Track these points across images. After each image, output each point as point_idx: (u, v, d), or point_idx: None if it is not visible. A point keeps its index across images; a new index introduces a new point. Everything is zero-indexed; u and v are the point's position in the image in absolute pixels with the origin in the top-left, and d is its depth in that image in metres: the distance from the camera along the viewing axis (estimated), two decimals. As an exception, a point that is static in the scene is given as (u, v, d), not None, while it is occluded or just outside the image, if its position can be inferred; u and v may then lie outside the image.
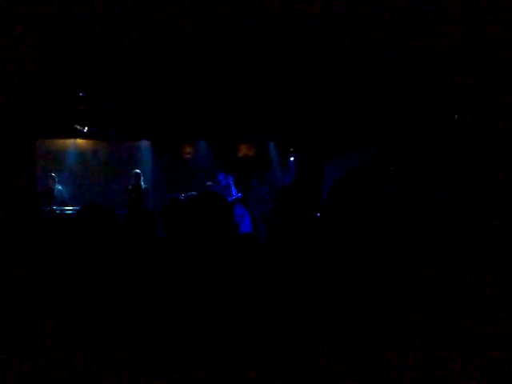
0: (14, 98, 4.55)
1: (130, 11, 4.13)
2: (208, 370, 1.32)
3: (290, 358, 1.34)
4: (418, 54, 4.87)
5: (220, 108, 7.50)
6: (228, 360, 1.34)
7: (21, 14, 3.95)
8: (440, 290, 1.52)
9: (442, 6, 3.85)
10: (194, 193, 7.62)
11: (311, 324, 1.42)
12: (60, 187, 8.17)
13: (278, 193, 2.06)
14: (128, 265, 1.88)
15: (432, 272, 1.60)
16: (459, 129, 6.27)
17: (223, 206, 1.95)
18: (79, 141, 9.05)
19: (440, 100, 6.27)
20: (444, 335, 1.36)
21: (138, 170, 8.32)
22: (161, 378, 1.32)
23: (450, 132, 6.67)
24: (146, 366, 1.34)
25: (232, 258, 1.86)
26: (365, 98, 6.72)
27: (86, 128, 8.01)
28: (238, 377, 1.31)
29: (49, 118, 6.93)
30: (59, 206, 7.74)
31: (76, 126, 7.88)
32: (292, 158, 9.59)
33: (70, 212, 7.46)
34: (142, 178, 8.25)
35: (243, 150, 9.86)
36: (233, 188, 8.24)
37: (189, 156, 9.71)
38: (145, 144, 9.45)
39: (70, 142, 9.05)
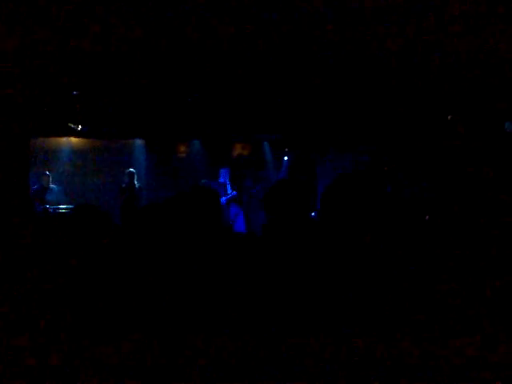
0: (6, 96, 4.52)
1: (124, 9, 4.12)
2: (204, 368, 1.33)
3: (285, 357, 1.34)
4: (417, 53, 4.89)
5: (214, 107, 7.50)
6: (223, 360, 1.34)
7: (13, 11, 3.92)
8: (437, 291, 1.53)
9: (441, 6, 3.86)
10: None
11: (306, 323, 1.42)
12: (54, 186, 8.14)
13: (267, 192, 2.06)
14: (120, 265, 1.87)
15: (427, 271, 1.61)
16: (454, 130, 6.29)
17: (212, 201, 1.95)
18: (73, 139, 9.01)
19: (435, 101, 6.29)
20: (443, 335, 1.37)
21: (131, 169, 8.30)
22: (161, 378, 1.32)
23: (444, 133, 6.69)
24: (146, 366, 1.34)
25: (226, 258, 1.86)
26: (359, 98, 6.74)
27: (80, 126, 7.97)
28: (235, 376, 1.31)
29: (42, 116, 6.90)
30: (53, 204, 7.71)
31: (70, 124, 7.85)
32: (286, 158, 9.58)
33: (63, 211, 7.43)
34: (135, 176, 8.22)
35: (238, 150, 9.86)
36: (228, 187, 8.24)
37: (183, 155, 9.69)
38: (139, 143, 9.42)
39: (64, 140, 9.00)
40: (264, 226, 2.00)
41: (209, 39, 4.76)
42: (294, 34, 4.61)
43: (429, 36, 4.43)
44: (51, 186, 8.09)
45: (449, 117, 6.65)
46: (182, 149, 9.71)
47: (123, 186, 8.11)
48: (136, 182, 8.20)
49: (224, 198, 8.01)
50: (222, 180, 8.24)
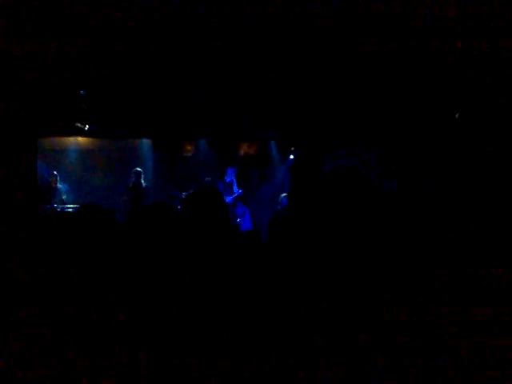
0: (15, 96, 4.55)
1: (131, 10, 4.13)
2: (209, 367, 1.32)
3: (291, 355, 1.34)
4: (419, 53, 4.87)
5: (221, 106, 7.50)
6: (230, 358, 1.34)
7: (22, 12, 3.95)
8: (439, 288, 1.52)
9: (442, 7, 3.85)
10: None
11: (312, 321, 1.42)
12: (61, 185, 8.17)
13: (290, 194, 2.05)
14: (126, 264, 1.87)
15: (431, 270, 1.60)
16: (460, 128, 6.26)
17: (219, 202, 1.95)
18: (80, 139, 9.04)
19: (440, 98, 6.26)
20: (441, 333, 1.36)
21: (138, 169, 8.32)
22: (162, 377, 1.32)
23: (450, 131, 6.66)
24: (147, 365, 1.34)
25: (233, 256, 1.86)
26: (366, 96, 6.71)
27: (87, 126, 8.00)
28: (239, 375, 1.31)
29: (50, 115, 6.93)
30: (60, 203, 7.75)
31: (77, 124, 7.88)
32: (291, 157, 9.54)
33: (70, 210, 7.47)
34: (142, 176, 8.24)
35: (244, 149, 9.85)
36: (235, 186, 8.23)
37: (189, 154, 9.70)
38: (145, 142, 9.44)
39: (71, 140, 9.04)
40: (272, 225, 2.00)
41: (214, 39, 4.76)
42: (299, 33, 4.61)
43: (437, 35, 4.42)
44: (58, 185, 8.13)
45: (456, 115, 6.62)
46: (189, 148, 9.72)
47: (130, 185, 8.13)
48: (143, 182, 8.22)
49: (230, 197, 8.02)
50: (228, 179, 8.23)
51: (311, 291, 1.53)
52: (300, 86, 6.42)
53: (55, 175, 8.12)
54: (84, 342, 1.40)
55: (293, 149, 9.69)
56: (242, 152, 9.82)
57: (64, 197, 8.03)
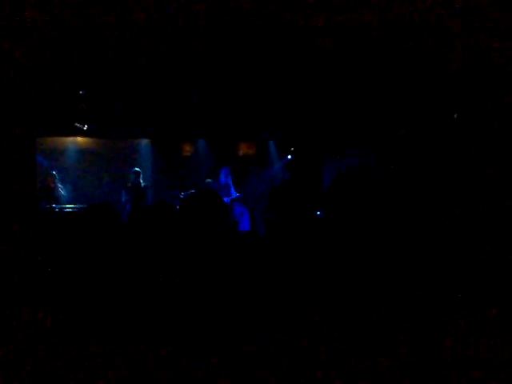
0: (14, 96, 4.55)
1: (129, 9, 4.13)
2: (209, 367, 1.33)
3: (289, 355, 1.34)
4: (418, 55, 4.88)
5: (220, 106, 7.50)
6: (228, 358, 1.34)
7: (21, 12, 3.95)
8: (440, 290, 1.53)
9: (442, 7, 3.85)
10: (193, 191, 7.60)
11: (310, 321, 1.42)
12: (60, 185, 8.16)
13: (271, 192, 2.06)
14: (129, 264, 1.88)
15: (431, 271, 1.61)
16: (458, 129, 6.27)
17: (219, 205, 1.96)
18: (79, 139, 9.04)
19: (439, 100, 6.27)
20: (442, 335, 1.37)
21: (137, 169, 8.31)
22: (163, 377, 1.32)
23: (449, 132, 6.67)
24: (148, 365, 1.35)
25: (231, 256, 1.87)
26: (365, 97, 6.72)
27: (86, 126, 8.00)
28: (238, 375, 1.31)
29: (49, 115, 6.93)
30: (58, 204, 7.74)
31: (76, 123, 7.88)
32: (289, 157, 9.53)
33: (69, 210, 7.46)
34: (141, 176, 8.24)
35: (243, 149, 9.85)
36: (232, 188, 8.21)
37: (188, 154, 9.70)
38: (144, 142, 9.44)
39: (70, 139, 9.04)
40: (269, 225, 2.00)
41: (216, 40, 4.77)
42: (300, 33, 4.61)
43: (436, 37, 4.43)
44: (57, 185, 8.11)
45: (455, 115, 6.63)
46: (188, 148, 9.72)
47: (129, 185, 8.13)
48: (142, 181, 8.22)
49: (228, 198, 7.99)
50: (223, 180, 8.18)
51: (310, 292, 1.53)
52: (300, 87, 6.42)
53: (54, 175, 8.11)
54: (84, 343, 1.40)
55: (292, 149, 9.70)
56: (241, 152, 9.82)
57: (62, 197, 8.02)
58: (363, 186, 1.58)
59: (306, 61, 5.34)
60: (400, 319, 1.41)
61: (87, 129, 8.06)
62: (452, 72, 5.14)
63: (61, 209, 7.54)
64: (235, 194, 8.19)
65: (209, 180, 8.40)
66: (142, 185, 8.18)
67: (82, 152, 9.13)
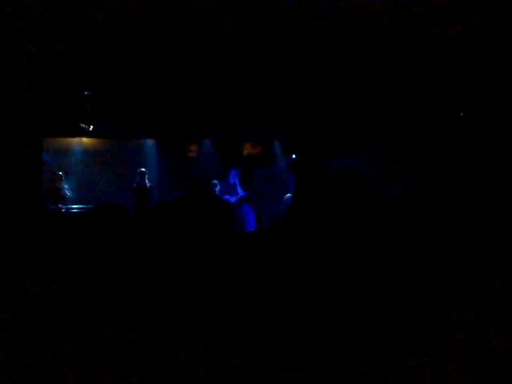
0: (19, 97, 4.57)
1: (135, 11, 4.14)
2: (212, 368, 1.33)
3: (294, 355, 1.34)
4: (420, 54, 4.86)
5: (225, 106, 7.51)
6: (232, 358, 1.34)
7: (25, 12, 3.96)
8: (439, 291, 1.52)
9: (444, 6, 3.84)
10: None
11: (315, 321, 1.42)
12: (66, 186, 8.19)
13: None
14: (136, 265, 1.88)
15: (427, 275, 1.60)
16: (461, 128, 6.25)
17: (223, 206, 1.95)
18: (84, 139, 9.07)
19: (441, 99, 6.25)
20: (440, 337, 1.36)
21: (143, 169, 8.33)
22: (165, 377, 1.33)
23: (451, 131, 6.65)
24: (150, 365, 1.35)
25: (237, 256, 1.86)
26: (368, 97, 6.71)
27: (92, 127, 8.03)
28: (240, 376, 1.31)
29: (54, 116, 6.96)
30: (65, 204, 7.77)
31: (81, 124, 7.91)
32: (294, 156, 9.50)
33: (75, 211, 7.49)
34: (146, 176, 8.26)
35: (248, 149, 9.85)
36: (238, 187, 8.24)
37: (193, 154, 9.71)
38: (150, 142, 9.46)
39: (76, 140, 9.07)
40: (275, 224, 2.00)
41: (220, 40, 4.77)
42: (304, 34, 4.61)
43: (437, 35, 4.41)
44: (63, 185, 8.15)
45: (461, 113, 6.60)
46: (193, 148, 9.73)
47: (134, 185, 8.15)
48: (147, 182, 8.24)
49: (234, 198, 8.02)
50: (231, 180, 8.23)
51: (314, 292, 1.53)
52: (304, 87, 6.41)
53: (60, 176, 8.14)
54: (90, 342, 1.41)
55: (297, 149, 9.68)
56: (246, 152, 9.83)
57: (68, 197, 8.05)
58: (350, 187, 1.57)
59: (310, 60, 5.33)
60: (400, 319, 1.41)
61: (93, 129, 8.09)
62: (457, 70, 5.12)
63: (67, 209, 7.57)
64: (242, 194, 8.21)
65: (214, 181, 8.41)
66: (148, 185, 8.19)
67: (88, 153, 9.16)
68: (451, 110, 6.52)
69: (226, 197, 7.89)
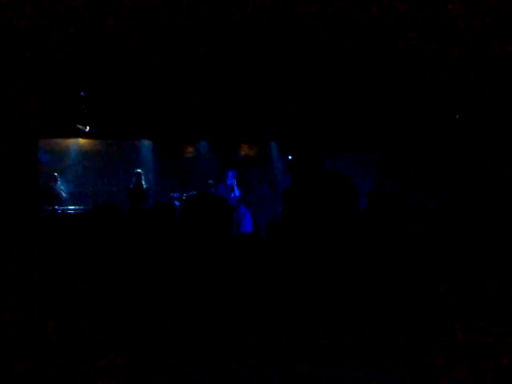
0: (16, 97, 4.56)
1: (132, 11, 4.13)
2: (210, 369, 1.33)
3: (291, 356, 1.34)
4: (419, 58, 4.88)
5: (222, 108, 7.50)
6: (230, 359, 1.34)
7: (22, 13, 3.95)
8: (439, 294, 1.52)
9: (443, 9, 3.85)
10: (194, 192, 7.62)
11: (312, 323, 1.42)
12: (62, 187, 8.18)
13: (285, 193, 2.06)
14: (133, 265, 1.87)
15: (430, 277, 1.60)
16: (459, 131, 6.27)
17: (222, 207, 1.95)
18: (81, 140, 9.06)
19: (439, 103, 6.27)
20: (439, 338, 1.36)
21: (139, 170, 8.32)
22: (167, 377, 1.32)
23: (449, 135, 6.67)
24: (150, 365, 1.34)
25: (233, 257, 1.86)
26: (366, 101, 6.72)
27: (88, 127, 8.01)
28: (239, 376, 1.31)
29: (50, 117, 6.94)
30: (61, 205, 7.75)
31: (78, 125, 7.89)
32: (290, 157, 9.51)
33: (71, 212, 7.47)
34: (143, 177, 8.25)
35: (245, 150, 9.85)
36: (236, 188, 8.25)
37: (190, 155, 9.71)
38: (146, 143, 9.46)
39: (72, 141, 9.05)
40: (272, 226, 2.00)
41: (217, 42, 4.77)
42: (303, 36, 4.61)
43: (437, 40, 4.42)
44: (59, 186, 8.13)
45: (457, 116, 6.63)
46: (190, 149, 9.73)
47: (131, 186, 8.14)
48: (144, 183, 8.22)
49: (231, 199, 8.03)
50: (229, 182, 8.26)
51: (310, 292, 1.53)
52: (301, 89, 6.42)
53: (56, 177, 8.12)
54: (84, 346, 1.40)
55: (294, 150, 9.68)
56: (242, 153, 9.83)
57: (64, 199, 8.03)
58: (332, 187, 1.59)
59: (308, 62, 5.33)
60: (399, 320, 1.41)
61: (89, 130, 8.07)
62: (455, 74, 5.14)
63: (63, 210, 7.55)
64: (238, 194, 8.22)
65: (210, 181, 8.43)
66: (144, 186, 8.18)
67: (84, 153, 9.15)
68: (450, 111, 6.55)
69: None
